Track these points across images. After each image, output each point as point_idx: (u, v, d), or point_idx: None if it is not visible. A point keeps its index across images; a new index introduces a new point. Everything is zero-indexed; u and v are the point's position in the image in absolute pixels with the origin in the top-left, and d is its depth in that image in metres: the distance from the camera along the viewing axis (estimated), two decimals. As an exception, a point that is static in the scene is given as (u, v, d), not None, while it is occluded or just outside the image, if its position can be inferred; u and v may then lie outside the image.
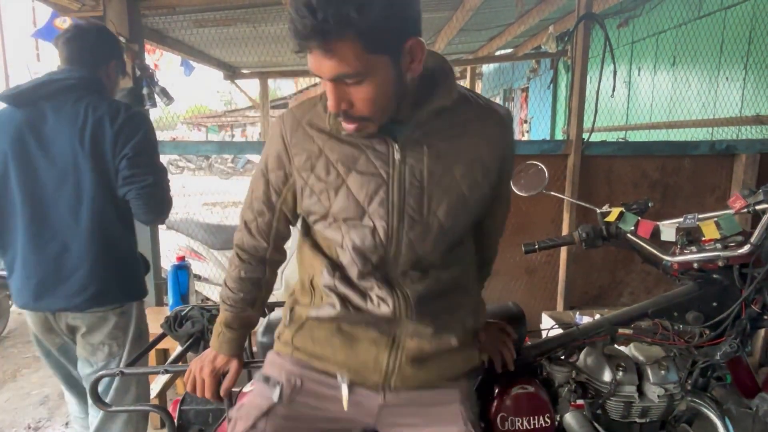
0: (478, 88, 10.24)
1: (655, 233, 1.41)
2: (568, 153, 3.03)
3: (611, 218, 1.48)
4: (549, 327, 1.61)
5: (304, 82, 18.22)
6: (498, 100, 9.89)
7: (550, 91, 7.07)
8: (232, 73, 6.18)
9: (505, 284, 3.25)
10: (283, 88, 20.48)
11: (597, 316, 1.53)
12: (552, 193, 1.74)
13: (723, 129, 3.81)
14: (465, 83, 9.24)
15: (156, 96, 2.69)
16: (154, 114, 2.77)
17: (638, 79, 5.17)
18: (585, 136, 3.01)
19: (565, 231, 3.09)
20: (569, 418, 1.46)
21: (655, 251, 1.41)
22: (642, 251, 1.46)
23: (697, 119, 4.04)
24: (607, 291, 3.28)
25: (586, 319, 2.57)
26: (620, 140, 4.39)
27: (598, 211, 1.52)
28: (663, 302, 1.41)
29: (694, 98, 4.19)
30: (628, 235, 1.45)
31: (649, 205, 1.49)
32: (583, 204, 1.67)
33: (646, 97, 5.01)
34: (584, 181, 3.07)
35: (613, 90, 3.10)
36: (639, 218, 1.44)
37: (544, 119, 7.41)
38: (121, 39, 2.60)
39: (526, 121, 8.35)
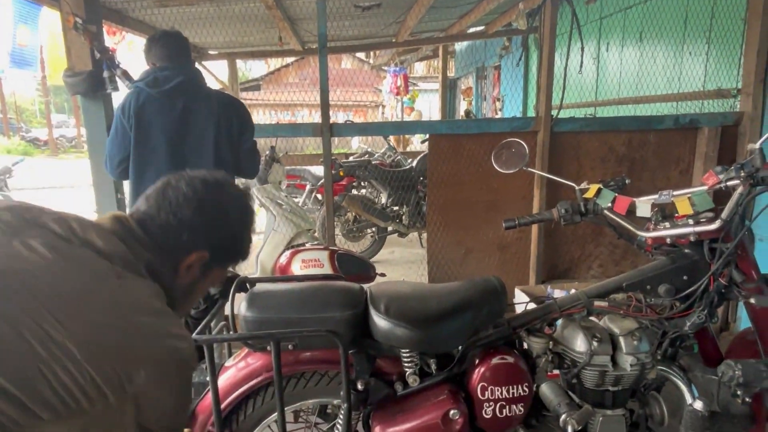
0: (451, 67, 10.18)
1: (631, 209, 1.45)
2: (538, 130, 3.06)
3: (589, 194, 1.51)
4: (521, 301, 1.66)
5: (275, 62, 17.78)
6: (471, 79, 9.88)
7: (521, 68, 7.09)
8: (198, 54, 5.96)
9: (479, 261, 3.30)
10: (254, 69, 19.93)
11: (573, 291, 1.57)
12: (531, 169, 1.76)
13: (687, 103, 3.89)
14: (437, 62, 9.14)
15: (117, 79, 2.55)
16: (117, 97, 2.62)
17: (606, 56, 5.23)
18: (554, 112, 3.04)
19: (535, 208, 3.14)
20: (545, 388, 1.52)
21: (630, 227, 1.46)
22: (618, 227, 1.50)
23: (662, 94, 4.12)
24: (577, 264, 3.36)
25: (558, 293, 2.64)
26: (588, 116, 4.45)
27: (577, 187, 1.54)
28: (637, 276, 1.46)
29: (659, 73, 4.26)
30: (605, 211, 1.49)
31: (627, 182, 1.53)
32: (562, 180, 1.68)
33: (614, 73, 5.07)
34: (553, 157, 3.10)
35: (581, 66, 3.13)
36: (616, 194, 1.48)
37: (516, 97, 7.44)
38: (78, 20, 2.44)
39: (498, 99, 8.35)
